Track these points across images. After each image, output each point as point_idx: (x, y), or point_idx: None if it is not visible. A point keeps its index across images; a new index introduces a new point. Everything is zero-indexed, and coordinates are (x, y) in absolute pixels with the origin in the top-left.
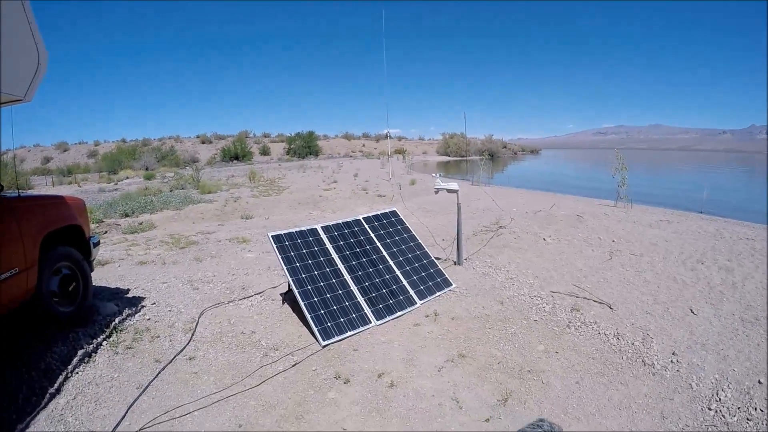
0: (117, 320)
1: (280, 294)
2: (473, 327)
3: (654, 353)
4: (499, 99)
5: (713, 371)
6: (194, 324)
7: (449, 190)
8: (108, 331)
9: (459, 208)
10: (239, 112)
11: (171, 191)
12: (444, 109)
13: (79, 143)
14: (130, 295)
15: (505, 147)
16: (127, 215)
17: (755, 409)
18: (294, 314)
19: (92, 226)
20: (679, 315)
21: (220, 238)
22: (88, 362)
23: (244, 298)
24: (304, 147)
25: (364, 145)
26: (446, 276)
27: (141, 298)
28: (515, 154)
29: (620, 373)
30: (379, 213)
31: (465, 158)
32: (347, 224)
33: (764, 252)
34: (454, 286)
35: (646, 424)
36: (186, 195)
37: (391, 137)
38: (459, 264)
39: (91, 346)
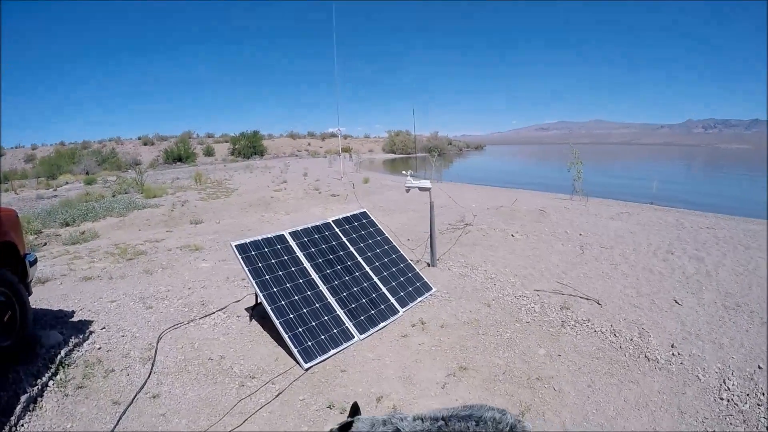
0: (63, 352)
1: (246, 309)
2: (466, 334)
3: (654, 347)
4: (443, 96)
5: (714, 360)
6: (153, 351)
7: (421, 188)
8: (54, 366)
9: (432, 207)
10: (182, 111)
11: (114, 196)
12: (388, 106)
13: (16, 147)
14: (75, 318)
15: (451, 143)
16: (67, 224)
17: (763, 394)
18: (265, 332)
19: (30, 237)
20: (666, 306)
21: (170, 247)
22: (33, 410)
23: (206, 316)
24: (249, 147)
25: (309, 144)
26: (425, 280)
27: (88, 322)
28: (461, 150)
29: (628, 372)
30: (349, 215)
31: (411, 155)
32: (317, 228)
33: (728, 240)
34: (434, 290)
35: (667, 421)
36: (130, 200)
37: (337, 135)
38: (433, 265)
39: (35, 388)
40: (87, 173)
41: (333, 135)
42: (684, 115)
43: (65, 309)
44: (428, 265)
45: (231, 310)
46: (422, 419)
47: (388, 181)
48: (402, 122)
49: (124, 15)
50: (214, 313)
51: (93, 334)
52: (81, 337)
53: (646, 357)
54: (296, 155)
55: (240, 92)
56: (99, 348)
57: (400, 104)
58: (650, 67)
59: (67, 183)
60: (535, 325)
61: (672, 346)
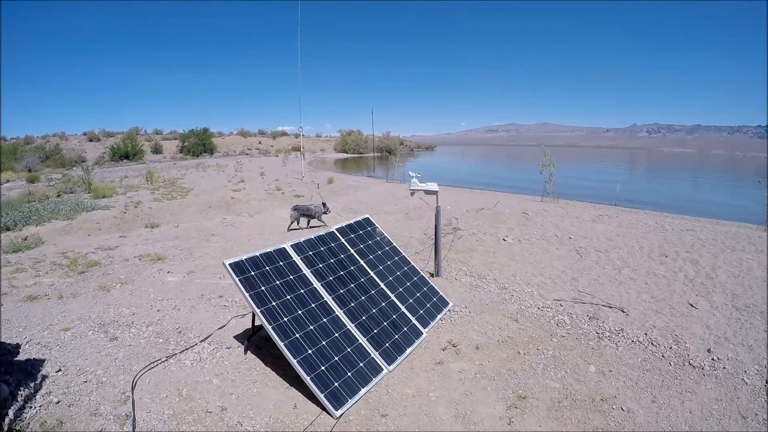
0: (11, 413)
1: (237, 338)
2: (506, 356)
3: (694, 354)
4: (393, 96)
5: (751, 362)
6: (130, 404)
7: (427, 192)
8: None
9: (438, 213)
10: (129, 106)
11: (59, 196)
12: (338, 106)
13: None
14: (22, 356)
15: (402, 144)
16: (8, 228)
17: None
18: (268, 369)
19: None
20: (684, 311)
21: (128, 255)
22: None
23: (187, 349)
24: (199, 145)
25: (260, 143)
26: (441, 294)
27: (40, 362)
28: (412, 150)
29: (681, 382)
30: (353, 222)
31: (363, 155)
32: (321, 239)
33: (712, 242)
34: (451, 304)
35: (735, 427)
36: (77, 200)
37: (288, 134)
38: (438, 275)
39: None
40: (30, 171)
41: (284, 133)
42: (629, 119)
43: (8, 341)
44: (432, 275)
45: (217, 339)
46: None
47: (351, 181)
48: (353, 122)
49: (69, 6)
50: (195, 344)
51: (47, 380)
52: (32, 385)
53: (690, 365)
54: (247, 153)
55: (189, 87)
56: (57, 402)
57: (350, 104)
58: (597, 72)
59: (8, 181)
60: (572, 339)
61: (708, 351)
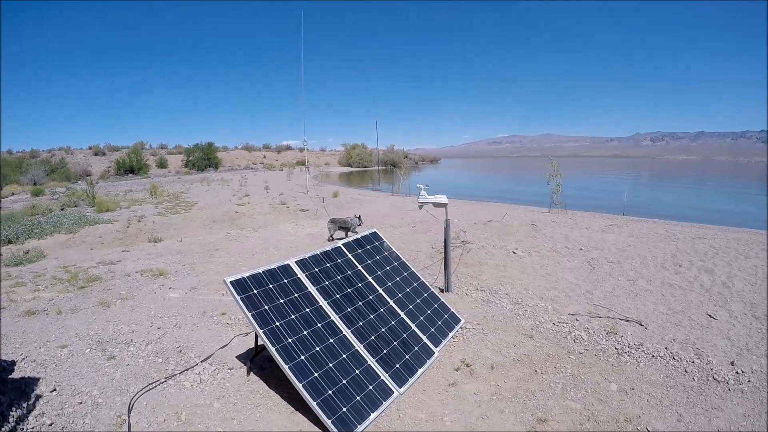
0: None
1: (239, 358)
2: (522, 375)
3: (717, 368)
4: (396, 109)
5: None
6: (125, 427)
7: (436, 204)
8: None
9: (447, 226)
10: (134, 121)
11: (62, 210)
12: (342, 118)
13: None
14: (17, 374)
15: (407, 157)
16: (10, 242)
17: None
18: (272, 391)
19: None
20: (704, 322)
21: (129, 271)
22: None
23: (187, 370)
24: (204, 159)
25: (265, 157)
26: (453, 310)
27: (34, 380)
28: (416, 164)
29: (706, 398)
30: (359, 237)
31: (368, 169)
32: (327, 255)
33: (725, 250)
34: (463, 321)
35: None
36: (80, 214)
37: (293, 148)
38: (448, 291)
39: None
40: (35, 184)
41: (289, 148)
42: (633, 128)
43: (3, 358)
44: (442, 290)
45: (219, 359)
46: None
47: (356, 195)
48: (357, 136)
49: (74, 19)
50: (196, 365)
51: (41, 400)
52: (25, 405)
53: (715, 379)
54: (252, 168)
55: (194, 103)
56: (50, 424)
57: (354, 117)
58: (599, 82)
59: (12, 194)
60: (591, 356)
61: (732, 364)
